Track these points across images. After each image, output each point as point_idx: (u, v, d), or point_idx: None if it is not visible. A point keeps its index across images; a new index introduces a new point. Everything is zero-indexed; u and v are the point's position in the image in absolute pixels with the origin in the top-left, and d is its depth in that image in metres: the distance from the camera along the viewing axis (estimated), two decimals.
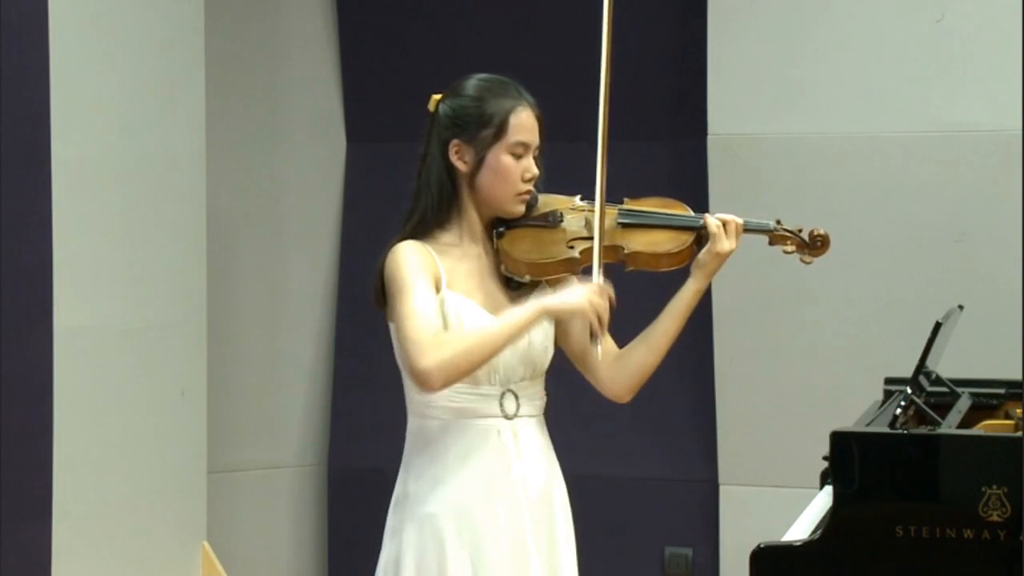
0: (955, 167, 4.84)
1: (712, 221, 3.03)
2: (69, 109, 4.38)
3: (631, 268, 3.05)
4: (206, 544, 4.92)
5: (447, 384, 2.86)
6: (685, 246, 3.03)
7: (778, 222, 3.12)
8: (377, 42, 5.59)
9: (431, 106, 3.06)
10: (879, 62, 4.91)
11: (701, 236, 3.04)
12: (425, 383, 2.84)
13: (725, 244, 3.02)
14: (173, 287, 4.80)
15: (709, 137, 5.08)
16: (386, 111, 5.55)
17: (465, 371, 2.87)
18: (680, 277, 3.08)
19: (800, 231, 3.11)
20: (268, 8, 5.57)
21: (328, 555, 5.66)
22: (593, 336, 2.97)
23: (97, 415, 4.50)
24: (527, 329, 2.92)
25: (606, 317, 2.93)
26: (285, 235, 5.62)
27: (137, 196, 4.66)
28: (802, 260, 3.12)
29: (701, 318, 5.07)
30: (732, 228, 3.03)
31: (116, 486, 4.58)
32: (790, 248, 3.11)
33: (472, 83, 3.04)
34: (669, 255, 3.03)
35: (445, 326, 2.93)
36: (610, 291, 2.95)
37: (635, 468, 5.34)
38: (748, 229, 3.08)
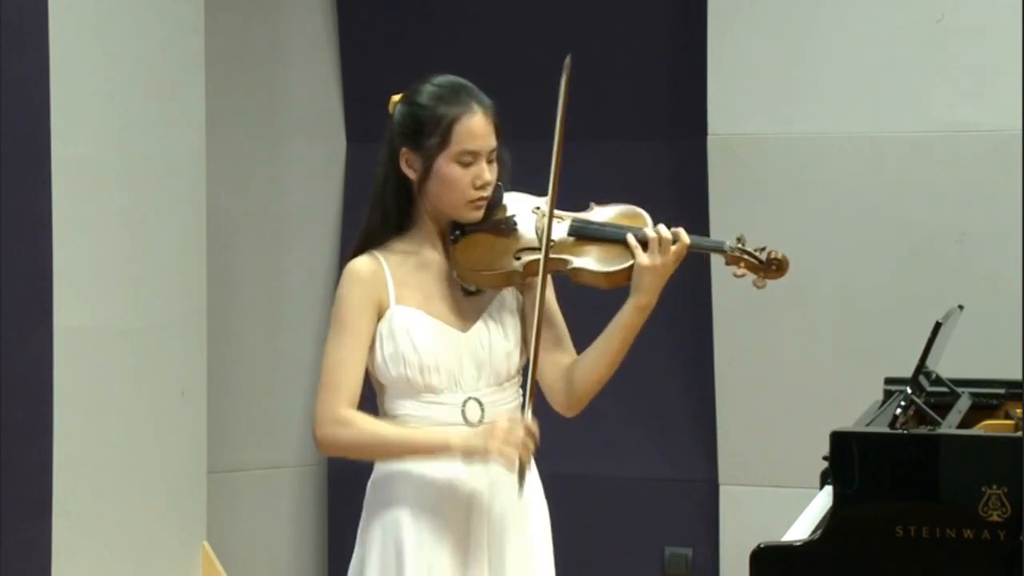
0: (955, 167, 4.84)
1: (631, 236, 2.91)
2: (69, 109, 4.38)
3: (576, 283, 2.95)
4: (206, 544, 4.92)
5: (333, 456, 3.01)
6: (630, 263, 2.90)
7: (739, 239, 2.99)
8: (377, 42, 5.59)
9: (389, 107, 3.03)
10: (879, 62, 4.91)
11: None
12: (317, 445, 2.94)
13: (646, 259, 2.89)
14: (173, 287, 4.79)
15: (709, 137, 5.07)
16: (386, 111, 5.54)
17: (352, 457, 2.96)
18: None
19: (762, 250, 2.98)
20: (268, 8, 5.57)
21: (328, 555, 5.66)
22: (518, 475, 2.83)
23: (97, 415, 4.50)
24: (426, 457, 2.90)
25: (526, 456, 2.82)
26: (285, 235, 5.62)
27: (137, 196, 4.66)
28: (755, 284, 2.98)
29: (701, 318, 5.08)
30: (665, 243, 2.89)
31: (116, 486, 4.58)
32: (741, 271, 2.97)
33: (424, 88, 2.98)
34: (612, 273, 2.91)
35: (393, 340, 2.92)
36: (535, 428, 2.84)
37: (635, 468, 5.33)
38: (701, 249, 2.97)
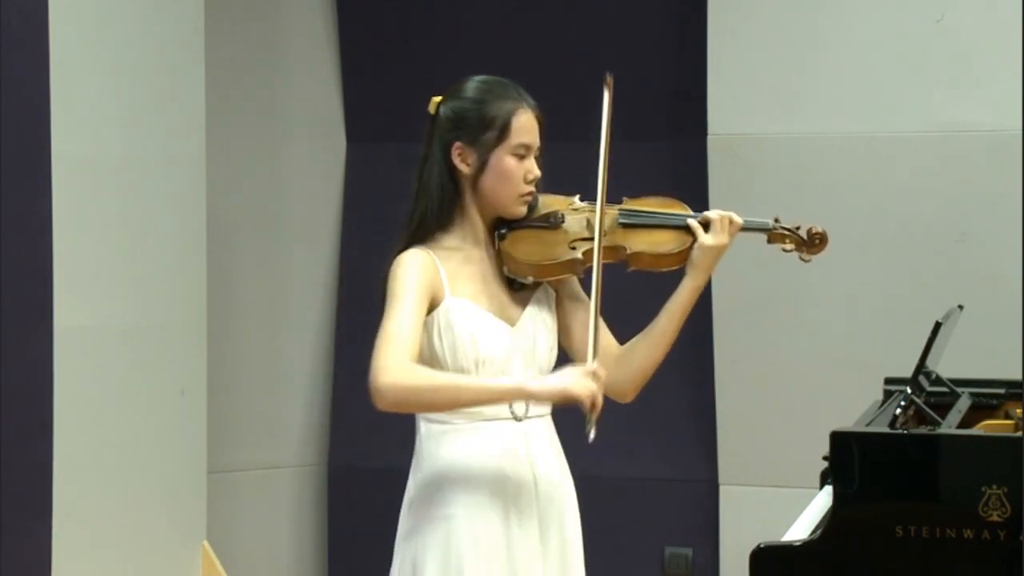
0: (955, 167, 4.84)
1: (698, 219, 3.04)
2: (69, 109, 4.38)
3: (633, 268, 3.05)
4: (206, 544, 4.92)
5: (392, 409, 2.85)
6: (686, 245, 3.03)
7: (776, 220, 3.12)
8: (377, 42, 5.59)
9: (431, 108, 3.05)
10: (879, 62, 4.91)
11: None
12: (376, 398, 2.83)
13: (710, 238, 3.01)
14: (173, 287, 4.80)
15: (709, 137, 5.08)
16: (386, 111, 5.55)
17: (413, 407, 2.90)
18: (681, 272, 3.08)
19: (798, 228, 3.12)
20: (268, 8, 5.57)
21: (328, 555, 5.66)
22: (587, 418, 2.89)
23: (97, 415, 4.50)
24: (498, 401, 2.91)
25: (600, 400, 2.86)
26: (285, 235, 5.62)
27: (137, 196, 4.66)
28: (801, 258, 3.12)
29: (701, 318, 5.07)
30: (724, 223, 3.03)
31: (116, 486, 4.58)
32: (789, 246, 3.12)
33: (473, 85, 3.03)
34: (671, 255, 3.03)
35: (452, 335, 2.94)
36: (602, 372, 2.89)
37: (635, 468, 5.34)
38: (746, 228, 3.07)
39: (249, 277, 5.54)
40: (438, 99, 3.05)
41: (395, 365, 2.82)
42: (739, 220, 3.05)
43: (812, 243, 3.11)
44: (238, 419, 5.48)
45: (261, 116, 5.55)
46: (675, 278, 3.09)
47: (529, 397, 2.91)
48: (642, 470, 5.33)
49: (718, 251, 3.03)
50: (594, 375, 2.87)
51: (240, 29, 5.47)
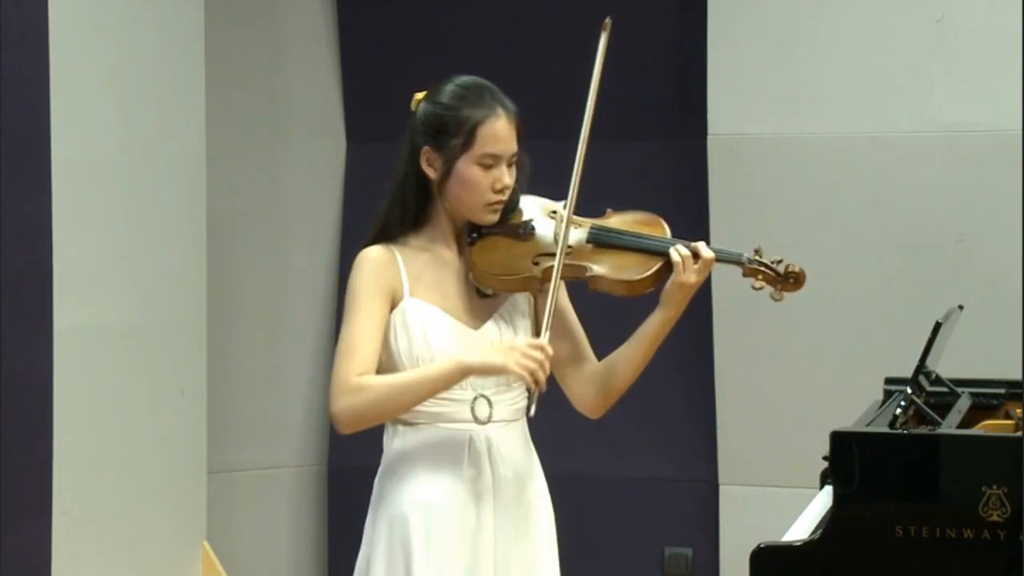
0: (955, 167, 4.84)
1: (675, 253, 2.93)
2: (69, 109, 4.38)
3: (593, 290, 2.97)
4: (206, 544, 4.92)
5: (353, 430, 2.89)
6: (649, 273, 2.93)
7: (756, 252, 3.02)
8: (377, 42, 5.59)
9: (412, 104, 3.02)
10: (879, 62, 4.91)
11: (671, 263, 2.93)
12: (335, 424, 2.88)
13: (685, 277, 2.93)
14: (173, 287, 4.80)
15: (709, 137, 5.07)
16: (386, 111, 5.52)
17: (372, 421, 2.90)
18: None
19: (779, 262, 3.01)
20: (268, 8, 5.57)
21: (328, 555, 5.66)
22: (529, 395, 2.89)
23: (97, 415, 4.50)
24: (445, 386, 2.88)
25: (542, 376, 2.83)
26: (285, 235, 5.62)
27: (137, 196, 4.66)
28: (772, 297, 3.01)
29: (701, 318, 5.08)
30: (699, 261, 2.94)
31: (116, 486, 4.58)
32: (759, 283, 3.01)
33: (449, 88, 2.98)
34: (631, 282, 2.93)
35: (407, 335, 2.92)
36: (550, 350, 2.86)
37: (635, 468, 5.34)
38: (719, 259, 2.98)
39: (249, 277, 5.54)
40: (420, 96, 3.01)
41: (343, 388, 2.87)
42: (710, 255, 2.94)
43: (787, 280, 3.00)
44: (238, 419, 5.48)
45: (261, 116, 5.55)
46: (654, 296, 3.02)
47: (467, 372, 2.87)
48: (642, 470, 5.33)
49: (691, 288, 2.94)
50: (541, 349, 2.84)
51: (240, 29, 5.46)
